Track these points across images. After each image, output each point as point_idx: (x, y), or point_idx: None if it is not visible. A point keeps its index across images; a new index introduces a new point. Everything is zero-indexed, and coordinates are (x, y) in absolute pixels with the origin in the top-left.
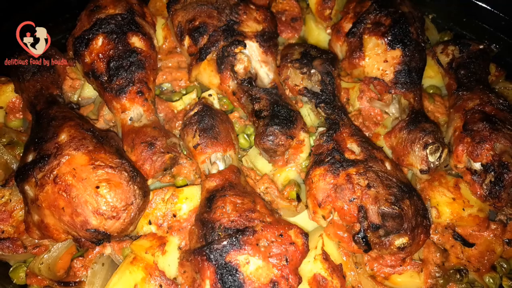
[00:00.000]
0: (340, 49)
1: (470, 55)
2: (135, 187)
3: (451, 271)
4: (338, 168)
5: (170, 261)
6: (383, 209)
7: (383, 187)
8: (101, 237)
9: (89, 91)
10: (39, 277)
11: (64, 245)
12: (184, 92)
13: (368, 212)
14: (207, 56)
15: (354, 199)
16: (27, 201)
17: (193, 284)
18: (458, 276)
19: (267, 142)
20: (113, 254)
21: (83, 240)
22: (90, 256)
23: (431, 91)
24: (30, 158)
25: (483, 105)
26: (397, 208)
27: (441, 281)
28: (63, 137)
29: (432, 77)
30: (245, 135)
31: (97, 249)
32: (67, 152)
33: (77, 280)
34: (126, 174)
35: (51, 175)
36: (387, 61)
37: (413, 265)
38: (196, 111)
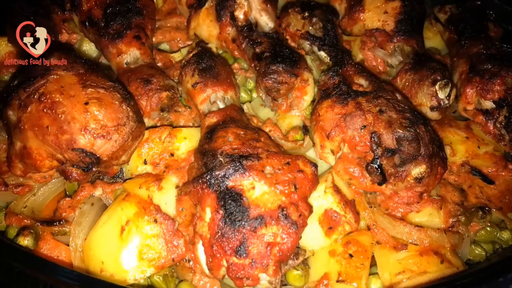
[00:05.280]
0: (339, 8)
1: (468, 9)
2: (129, 109)
3: (472, 209)
4: (347, 98)
5: (166, 199)
6: (398, 132)
7: (396, 112)
8: (89, 160)
9: (87, 48)
10: (19, 216)
11: (51, 188)
12: None
13: (382, 137)
14: (206, 3)
15: (365, 126)
16: (10, 131)
17: (193, 221)
18: (480, 213)
19: (270, 80)
20: (104, 196)
21: (69, 169)
22: (78, 197)
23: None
24: (15, 82)
25: (487, 48)
26: (412, 130)
27: (463, 219)
28: (53, 60)
29: (431, 38)
30: (246, 90)
31: (86, 190)
32: (56, 72)
33: (62, 220)
34: (119, 95)
35: (37, 93)
36: (387, 12)
37: (432, 201)
38: (194, 53)
